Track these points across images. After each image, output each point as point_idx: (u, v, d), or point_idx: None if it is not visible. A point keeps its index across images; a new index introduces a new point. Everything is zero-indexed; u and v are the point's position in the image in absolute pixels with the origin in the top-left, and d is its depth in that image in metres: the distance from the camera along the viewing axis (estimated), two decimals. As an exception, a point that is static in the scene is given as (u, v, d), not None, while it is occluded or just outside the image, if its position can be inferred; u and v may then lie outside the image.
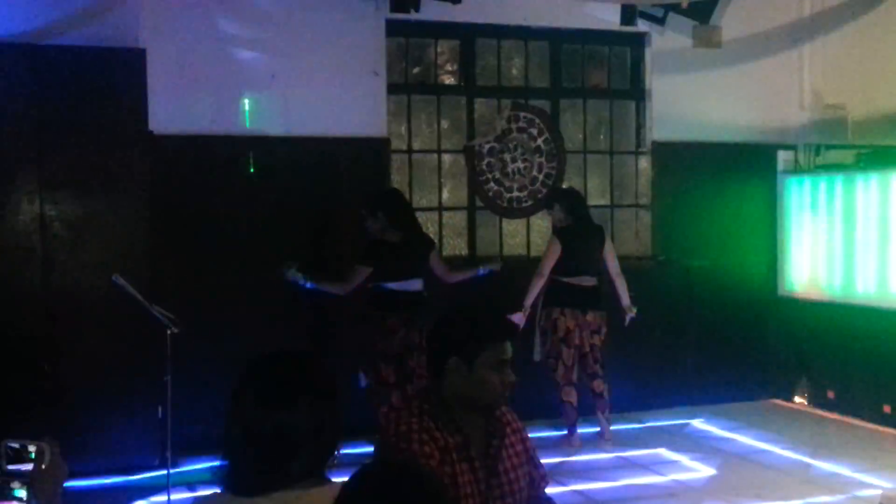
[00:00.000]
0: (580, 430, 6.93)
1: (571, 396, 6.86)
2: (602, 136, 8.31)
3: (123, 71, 6.24)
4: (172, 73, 6.71)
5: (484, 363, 2.66)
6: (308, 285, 6.22)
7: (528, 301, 6.80)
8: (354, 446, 5.58)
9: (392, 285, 6.27)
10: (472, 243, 7.85)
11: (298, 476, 2.02)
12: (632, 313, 7.07)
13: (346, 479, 1.79)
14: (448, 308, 2.91)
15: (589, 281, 6.91)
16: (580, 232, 6.91)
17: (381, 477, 1.78)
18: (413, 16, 7.20)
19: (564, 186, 7.72)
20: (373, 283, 6.32)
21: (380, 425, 5.17)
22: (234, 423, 2.03)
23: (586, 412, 7.01)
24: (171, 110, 6.68)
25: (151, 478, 6.09)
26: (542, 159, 7.91)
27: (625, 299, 7.07)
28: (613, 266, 7.06)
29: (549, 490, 3.06)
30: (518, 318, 6.71)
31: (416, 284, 6.36)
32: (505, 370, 2.69)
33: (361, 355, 6.38)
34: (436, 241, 7.43)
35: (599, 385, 6.95)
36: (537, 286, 6.83)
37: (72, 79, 6.12)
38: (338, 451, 2.10)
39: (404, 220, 6.39)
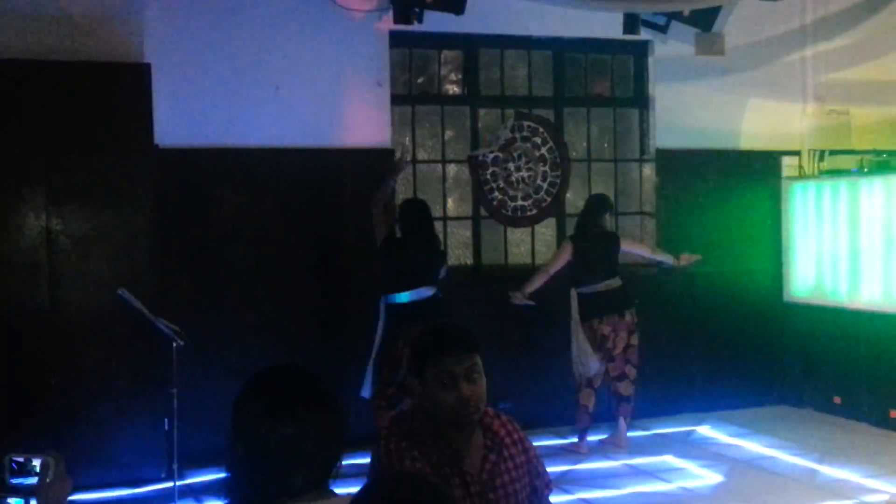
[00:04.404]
0: (588, 437, 6.92)
1: (589, 400, 6.85)
2: (606, 145, 8.32)
3: (129, 85, 6.27)
4: (177, 86, 6.75)
5: (431, 380, 2.60)
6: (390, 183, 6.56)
7: (527, 289, 6.90)
8: (356, 457, 5.58)
9: (402, 297, 6.28)
10: (477, 253, 7.87)
11: (302, 489, 2.02)
12: (691, 259, 7.21)
13: (351, 491, 1.80)
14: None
15: (614, 283, 6.92)
16: (593, 237, 6.92)
17: (392, 487, 1.79)
18: (416, 27, 7.22)
19: (596, 193, 7.61)
20: (382, 294, 6.35)
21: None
22: (237, 437, 2.03)
23: (598, 418, 7.02)
24: (176, 123, 6.72)
25: (158, 490, 6.10)
26: (547, 168, 7.93)
27: (671, 259, 7.21)
28: (645, 250, 7.27)
29: (555, 498, 3.06)
30: (517, 300, 6.86)
31: (426, 293, 6.35)
32: (456, 385, 2.58)
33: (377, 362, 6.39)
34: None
35: (627, 388, 6.93)
36: (540, 280, 6.92)
37: (78, 94, 6.16)
38: (341, 462, 2.11)
39: (416, 228, 6.39)
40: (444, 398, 2.59)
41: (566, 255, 6.90)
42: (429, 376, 2.61)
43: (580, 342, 6.81)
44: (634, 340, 6.91)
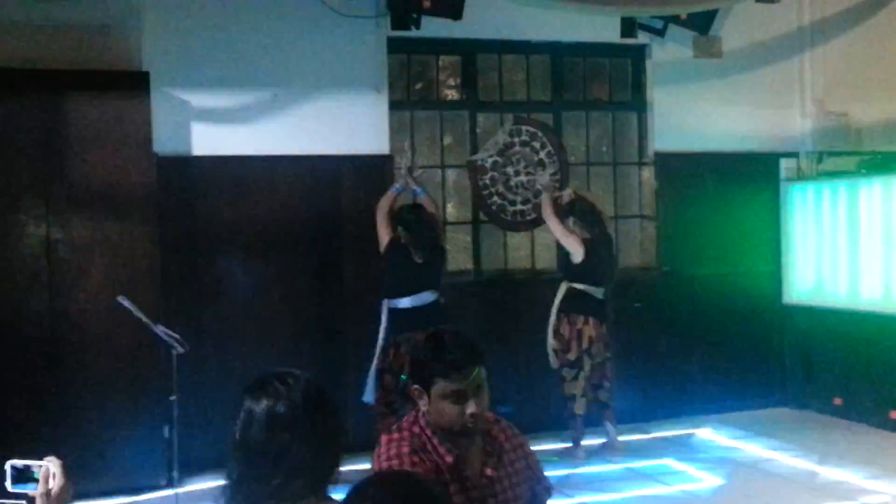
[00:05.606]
0: (584, 442, 6.91)
1: (583, 410, 6.85)
2: (605, 148, 8.33)
3: (128, 94, 6.29)
4: (176, 94, 6.76)
5: (438, 393, 2.59)
6: (397, 189, 6.63)
7: (550, 203, 7.00)
8: (357, 463, 5.57)
9: (404, 301, 6.29)
10: (476, 258, 7.87)
11: (301, 494, 2.03)
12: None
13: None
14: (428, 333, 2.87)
15: (602, 293, 6.93)
16: (599, 244, 6.93)
17: (383, 485, 1.79)
18: (414, 32, 7.22)
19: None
20: (385, 299, 6.35)
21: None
22: (236, 443, 2.04)
23: (591, 423, 7.01)
24: (175, 132, 6.73)
25: (158, 498, 6.10)
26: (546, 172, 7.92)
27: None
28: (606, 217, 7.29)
29: (556, 503, 3.06)
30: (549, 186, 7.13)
31: (427, 297, 6.35)
32: (462, 401, 2.57)
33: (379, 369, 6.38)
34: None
35: (604, 394, 6.97)
36: (554, 214, 6.92)
37: (77, 103, 6.17)
38: (339, 468, 2.11)
39: (416, 233, 6.39)
40: (450, 412, 2.58)
41: (577, 244, 6.87)
42: (435, 389, 2.59)
43: (549, 336, 6.86)
44: (609, 353, 6.94)
